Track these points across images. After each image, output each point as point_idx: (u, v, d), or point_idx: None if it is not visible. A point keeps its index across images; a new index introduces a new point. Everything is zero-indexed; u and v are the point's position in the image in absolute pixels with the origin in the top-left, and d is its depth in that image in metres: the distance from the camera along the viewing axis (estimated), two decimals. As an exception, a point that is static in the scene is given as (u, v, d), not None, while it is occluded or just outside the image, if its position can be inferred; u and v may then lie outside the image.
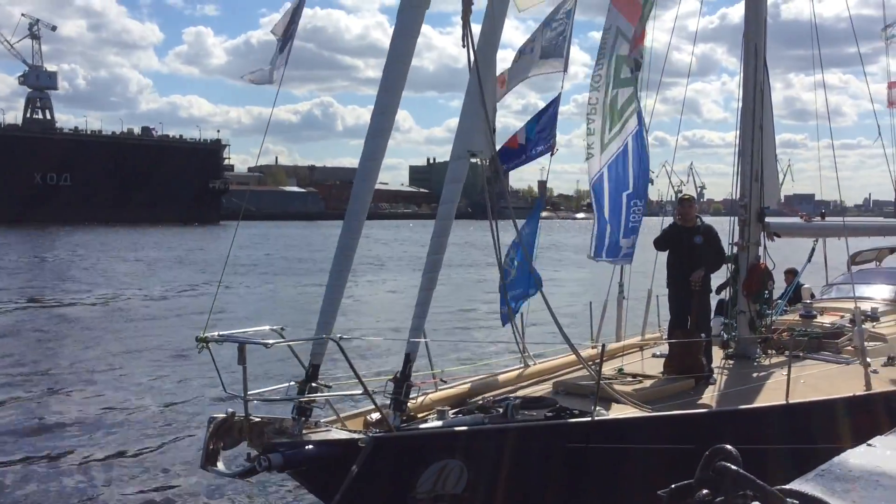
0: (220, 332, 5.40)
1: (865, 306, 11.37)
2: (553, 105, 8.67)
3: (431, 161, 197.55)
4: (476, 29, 6.50)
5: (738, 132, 10.04)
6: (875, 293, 12.75)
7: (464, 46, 6.37)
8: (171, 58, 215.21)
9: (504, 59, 9.06)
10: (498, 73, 7.70)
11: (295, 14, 7.18)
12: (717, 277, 9.45)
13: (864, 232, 13.32)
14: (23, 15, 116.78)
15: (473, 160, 6.65)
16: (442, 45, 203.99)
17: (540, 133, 8.58)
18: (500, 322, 9.02)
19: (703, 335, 8.48)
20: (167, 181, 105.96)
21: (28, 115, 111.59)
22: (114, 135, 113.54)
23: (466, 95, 6.58)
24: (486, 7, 6.63)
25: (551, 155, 8.62)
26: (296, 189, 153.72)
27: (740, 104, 10.03)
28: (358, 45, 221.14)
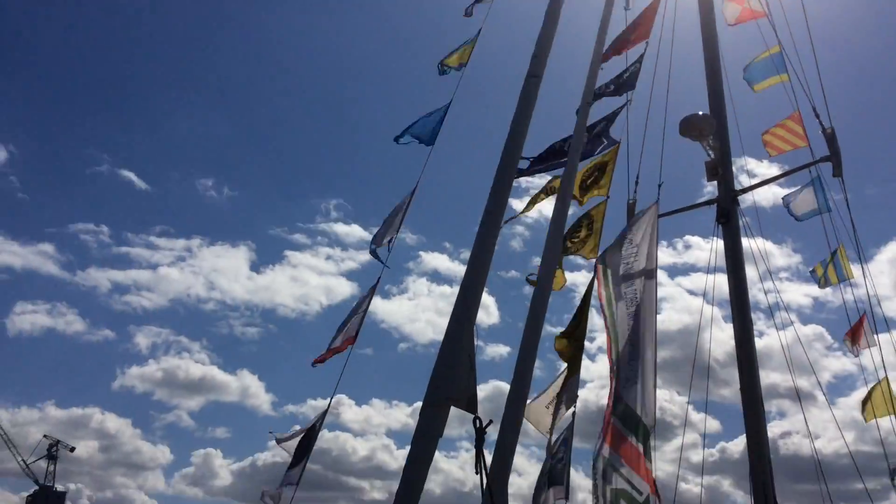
0: None
1: None
2: None
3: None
4: (488, 456, 6.61)
5: None
6: None
7: (477, 473, 6.46)
8: (177, 479, 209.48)
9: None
10: None
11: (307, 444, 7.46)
12: None
13: None
14: (44, 436, 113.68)
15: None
16: (448, 469, 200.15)
17: None
18: None
19: None
20: None
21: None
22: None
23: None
24: (498, 437, 6.80)
25: None
26: None
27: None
28: (364, 466, 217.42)
